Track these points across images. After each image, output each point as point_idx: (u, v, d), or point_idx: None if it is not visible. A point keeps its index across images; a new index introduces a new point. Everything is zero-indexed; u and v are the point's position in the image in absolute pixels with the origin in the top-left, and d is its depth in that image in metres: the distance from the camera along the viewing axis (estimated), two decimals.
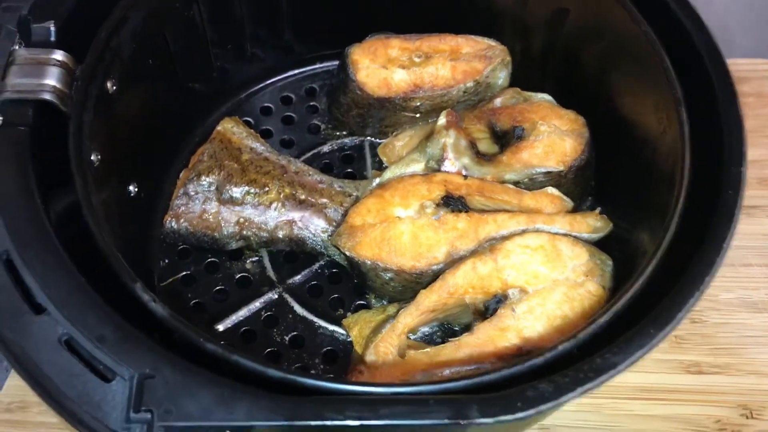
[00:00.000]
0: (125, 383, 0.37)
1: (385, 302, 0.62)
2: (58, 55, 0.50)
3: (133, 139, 0.60)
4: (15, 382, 0.62)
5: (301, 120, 0.75)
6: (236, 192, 0.63)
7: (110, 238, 0.46)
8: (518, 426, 0.51)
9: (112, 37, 0.53)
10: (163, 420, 0.36)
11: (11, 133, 0.45)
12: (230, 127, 0.67)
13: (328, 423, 0.37)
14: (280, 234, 0.63)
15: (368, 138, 0.73)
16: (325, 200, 0.63)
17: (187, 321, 0.41)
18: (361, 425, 0.38)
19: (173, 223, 0.62)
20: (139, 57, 0.58)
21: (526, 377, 0.40)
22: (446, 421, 0.38)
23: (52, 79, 0.48)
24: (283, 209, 0.63)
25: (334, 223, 0.62)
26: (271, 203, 0.63)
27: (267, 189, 0.63)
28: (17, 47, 0.50)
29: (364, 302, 0.63)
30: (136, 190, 0.62)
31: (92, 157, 0.50)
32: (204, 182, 0.63)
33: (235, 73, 0.75)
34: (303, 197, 0.63)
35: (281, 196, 0.63)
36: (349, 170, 0.72)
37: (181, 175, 0.66)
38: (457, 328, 0.59)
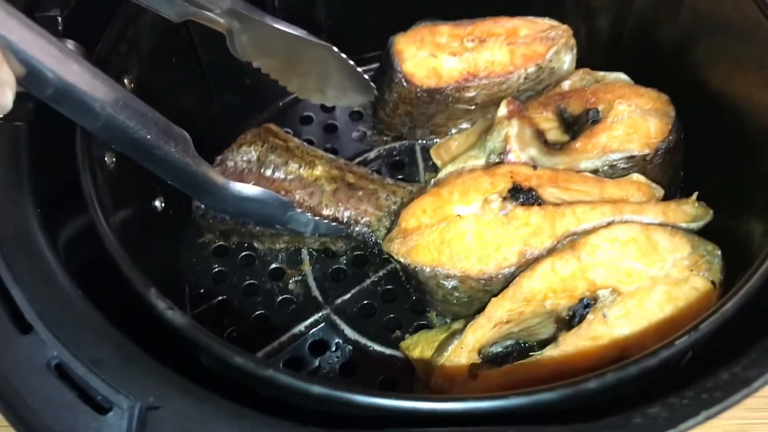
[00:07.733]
0: (123, 415, 0.29)
1: (448, 320, 0.54)
2: (67, 45, 0.44)
3: None
4: None
5: (345, 128, 0.69)
6: (280, 163, 0.56)
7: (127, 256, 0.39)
8: None
9: (128, 26, 0.48)
10: None
11: (5, 129, 0.39)
12: (274, 128, 0.60)
13: None
14: (325, 211, 0.56)
15: (419, 141, 0.66)
16: (375, 187, 0.57)
17: None
18: None
19: None
20: (161, 52, 0.52)
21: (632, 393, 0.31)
22: None
23: None
24: (329, 187, 0.56)
25: (385, 210, 0.56)
26: (316, 179, 0.56)
27: (313, 166, 0.57)
28: None
29: (425, 321, 0.55)
30: (163, 206, 0.55)
31: (105, 158, 0.43)
32: (243, 152, 0.57)
33: (270, 82, 0.68)
34: (352, 181, 0.57)
35: (329, 175, 0.57)
36: (399, 177, 0.64)
37: None
38: (534, 346, 0.50)
